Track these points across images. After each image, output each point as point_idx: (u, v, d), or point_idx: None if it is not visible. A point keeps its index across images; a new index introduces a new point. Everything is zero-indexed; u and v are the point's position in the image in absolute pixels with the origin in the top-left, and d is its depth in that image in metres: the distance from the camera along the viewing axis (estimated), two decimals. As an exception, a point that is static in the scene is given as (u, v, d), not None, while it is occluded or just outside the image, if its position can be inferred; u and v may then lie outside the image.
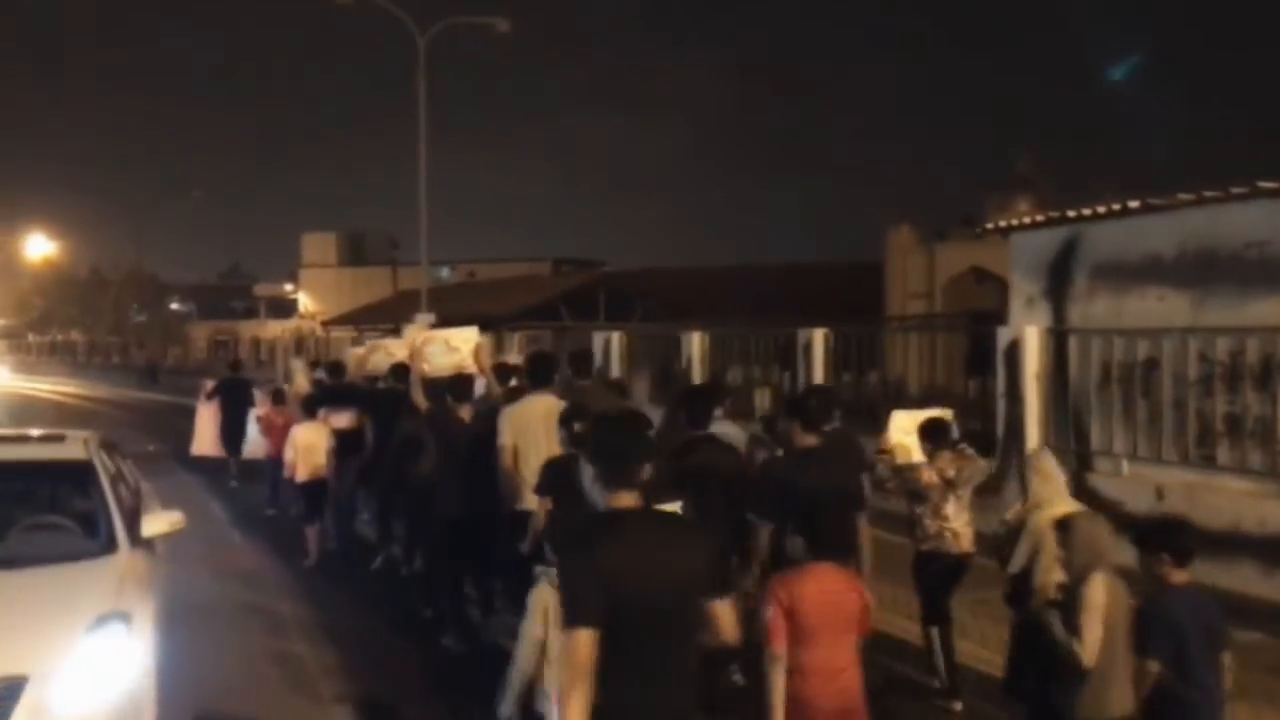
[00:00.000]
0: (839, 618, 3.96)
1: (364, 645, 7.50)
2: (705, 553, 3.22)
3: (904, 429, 6.69)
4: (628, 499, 3.15)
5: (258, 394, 14.55)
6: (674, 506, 3.87)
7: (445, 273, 53.51)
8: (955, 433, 6.65)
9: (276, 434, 11.74)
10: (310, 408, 10.27)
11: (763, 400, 14.14)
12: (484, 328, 23.60)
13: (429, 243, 23.74)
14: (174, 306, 75.22)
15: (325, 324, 38.81)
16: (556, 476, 5.57)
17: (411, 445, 7.78)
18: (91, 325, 68.04)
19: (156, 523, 6.12)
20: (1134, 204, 8.86)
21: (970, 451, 6.48)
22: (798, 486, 4.93)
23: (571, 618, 3.00)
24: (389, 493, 9.26)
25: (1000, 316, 10.83)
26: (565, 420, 5.80)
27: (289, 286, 67.82)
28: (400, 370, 9.76)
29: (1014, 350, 9.45)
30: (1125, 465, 8.71)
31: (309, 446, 9.66)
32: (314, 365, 14.73)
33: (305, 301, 60.65)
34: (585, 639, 2.95)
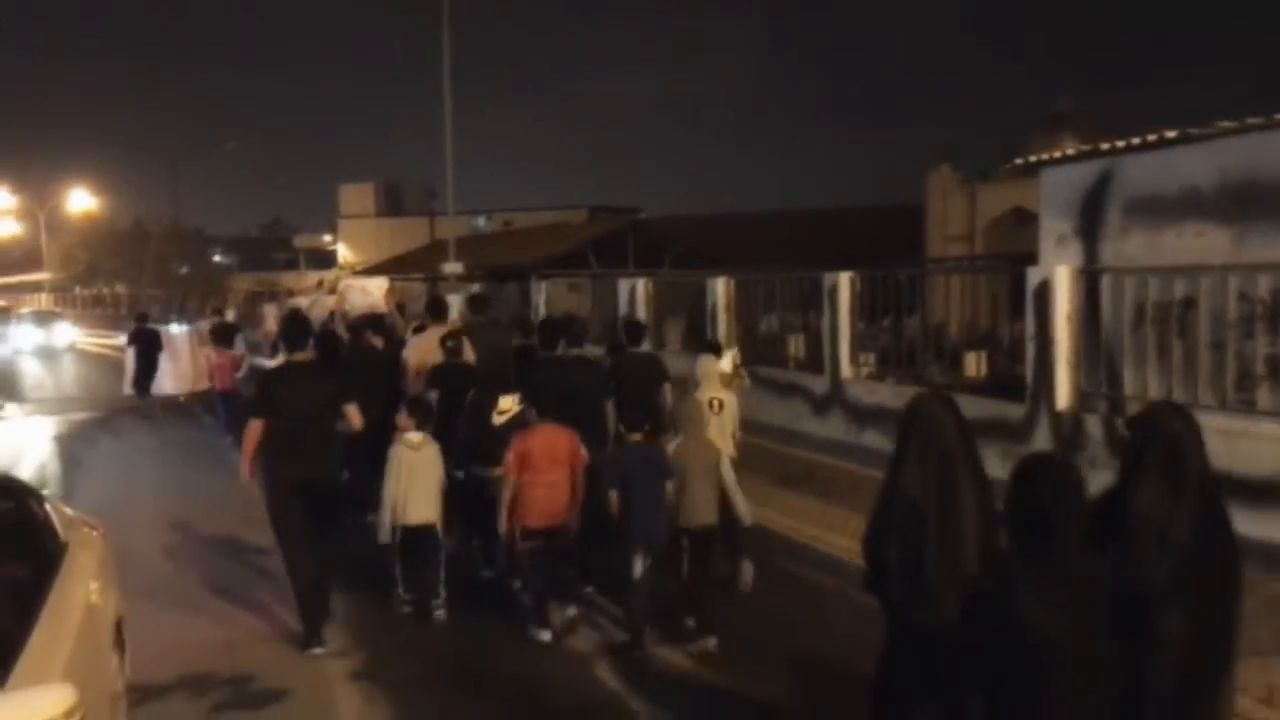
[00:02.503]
0: (556, 456, 6.61)
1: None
2: (332, 383, 6.97)
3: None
4: None
5: (181, 337, 18.36)
6: (512, 399, 7.35)
7: (481, 222, 53.27)
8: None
9: (224, 371, 14.77)
10: (276, 345, 12.72)
11: (796, 347, 13.79)
12: (513, 275, 23.46)
13: (464, 193, 23.62)
14: (216, 259, 75.79)
15: (357, 273, 38.79)
16: (436, 375, 8.44)
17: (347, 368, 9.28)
18: (136, 278, 68.69)
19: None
20: (1171, 134, 8.33)
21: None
22: (550, 383, 7.29)
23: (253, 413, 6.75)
24: None
25: (1035, 259, 10.37)
26: (441, 341, 8.76)
27: (328, 238, 68.03)
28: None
29: (1044, 291, 9.00)
30: (1160, 411, 8.28)
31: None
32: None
33: (344, 252, 60.80)
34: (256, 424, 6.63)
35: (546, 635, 6.62)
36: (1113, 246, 8.75)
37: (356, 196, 61.99)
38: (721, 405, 7.70)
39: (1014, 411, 9.13)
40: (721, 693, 5.95)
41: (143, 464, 13.17)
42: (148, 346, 17.73)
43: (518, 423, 7.10)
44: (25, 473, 12.99)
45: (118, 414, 17.62)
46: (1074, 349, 8.85)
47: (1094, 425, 8.54)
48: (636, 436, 6.71)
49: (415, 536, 6.97)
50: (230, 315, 20.29)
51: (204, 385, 17.05)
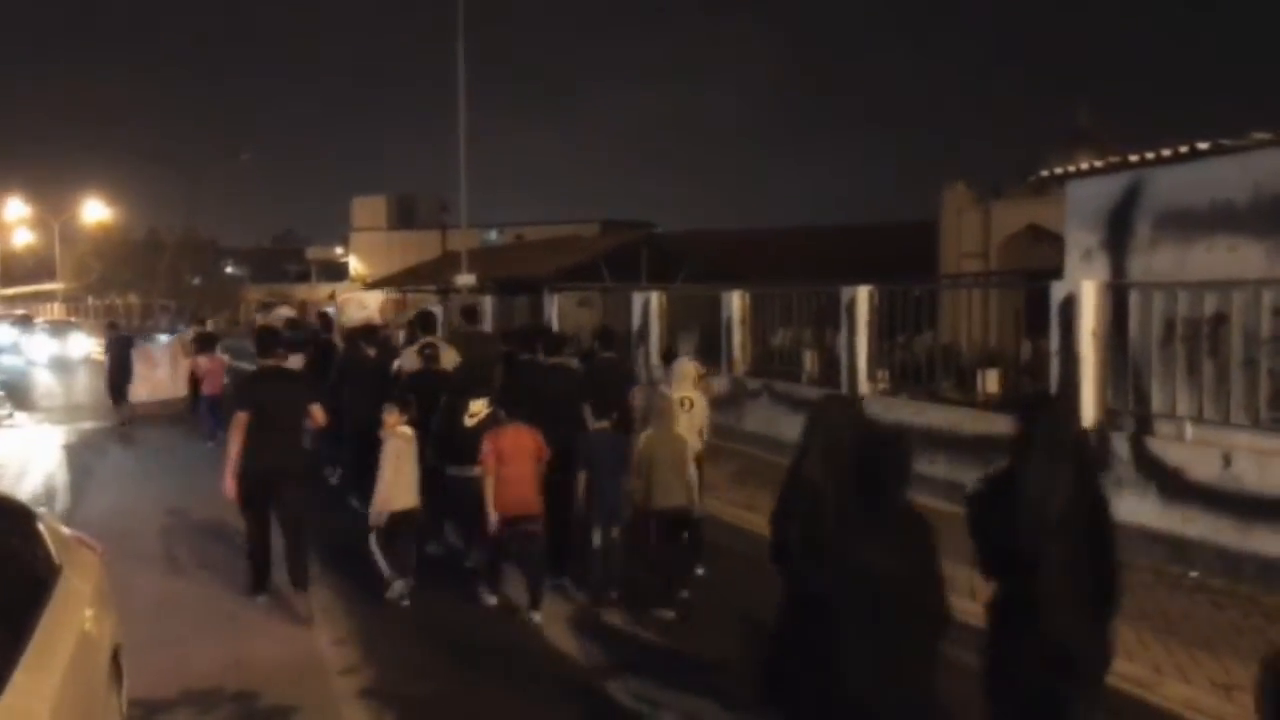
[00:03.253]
0: (522, 451, 7.22)
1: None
2: (300, 384, 8.28)
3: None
4: None
5: (157, 346, 19.82)
6: (482, 402, 7.99)
7: (493, 235, 53.28)
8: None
9: (215, 377, 15.50)
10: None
11: (812, 362, 13.63)
12: (525, 288, 23.35)
13: (476, 207, 23.67)
14: (229, 270, 75.93)
15: (368, 285, 38.72)
16: (414, 380, 9.17)
17: (341, 374, 10.97)
18: (148, 289, 68.80)
19: None
20: (1203, 146, 8.15)
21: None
22: (526, 385, 8.14)
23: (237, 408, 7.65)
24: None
25: (1058, 274, 10.18)
26: (419, 349, 9.62)
27: (340, 250, 68.09)
28: (325, 321, 15.29)
29: (1069, 306, 8.83)
30: (1189, 429, 8.08)
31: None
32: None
33: (355, 264, 60.82)
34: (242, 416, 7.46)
35: (493, 600, 7.41)
36: (1141, 261, 8.57)
37: (369, 209, 62.10)
38: (692, 404, 8.47)
39: (1037, 429, 8.91)
40: (672, 652, 6.64)
41: (150, 473, 13.03)
42: (121, 354, 17.94)
43: (488, 424, 7.77)
44: (31, 481, 12.91)
45: (126, 424, 17.51)
46: (1100, 365, 8.67)
47: (1120, 444, 8.34)
48: (603, 424, 7.52)
49: (398, 521, 7.52)
50: (210, 325, 20.76)
51: (181, 392, 18.18)
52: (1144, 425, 8.39)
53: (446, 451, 7.96)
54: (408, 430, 7.64)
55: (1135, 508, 8.14)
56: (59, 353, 35.37)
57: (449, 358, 9.72)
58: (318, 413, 8.01)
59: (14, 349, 36.50)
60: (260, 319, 20.30)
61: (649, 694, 5.96)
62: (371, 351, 10.90)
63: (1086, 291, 8.68)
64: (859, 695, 3.81)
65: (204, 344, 16.50)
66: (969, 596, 6.59)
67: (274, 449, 7.44)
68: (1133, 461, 8.24)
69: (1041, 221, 28.81)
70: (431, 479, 7.96)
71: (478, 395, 8.04)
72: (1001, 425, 9.43)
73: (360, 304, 17.38)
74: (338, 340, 12.91)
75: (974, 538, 4.21)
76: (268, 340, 8.17)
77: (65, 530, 5.13)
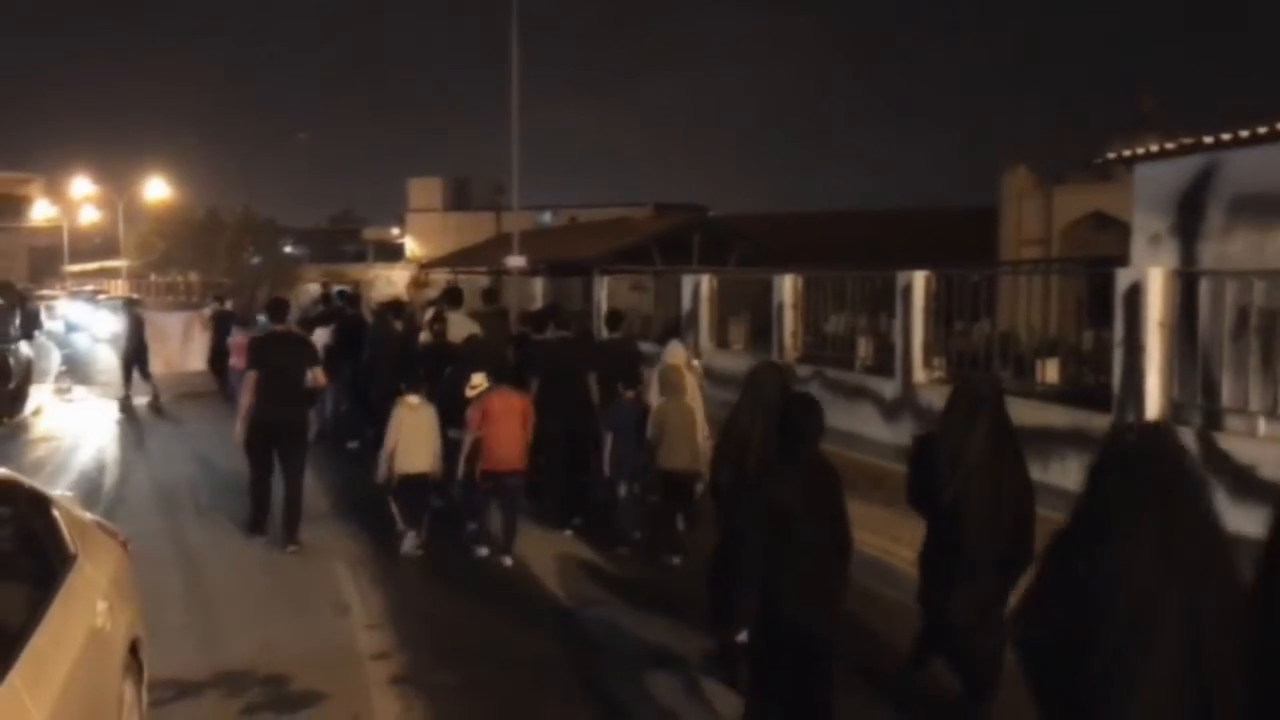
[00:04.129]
0: (509, 413, 8.05)
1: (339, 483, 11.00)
2: (306, 349, 9.12)
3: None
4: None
5: (171, 321, 20.35)
6: (482, 376, 8.54)
7: (547, 217, 53.17)
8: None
9: (242, 352, 15.63)
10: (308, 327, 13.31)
11: (866, 349, 13.28)
12: (576, 270, 23.19)
13: (531, 189, 23.67)
14: (287, 249, 76.72)
15: (423, 266, 38.86)
16: (425, 351, 10.23)
17: (370, 346, 11.89)
18: (208, 267, 69.81)
19: None
20: (1283, 127, 7.72)
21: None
22: (536, 359, 9.45)
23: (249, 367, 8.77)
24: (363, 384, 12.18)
25: (1123, 262, 9.77)
26: (429, 323, 10.77)
27: (395, 230, 68.51)
28: (351, 298, 15.70)
29: (1135, 294, 8.44)
30: (1262, 424, 7.68)
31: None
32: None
33: (411, 245, 61.16)
34: (252, 375, 8.59)
35: (484, 551, 8.24)
36: (1213, 247, 8.17)
37: (424, 190, 62.36)
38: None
39: (1097, 422, 8.54)
40: (670, 594, 7.29)
41: (193, 450, 13.07)
42: (138, 331, 17.98)
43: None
44: (82, 455, 13.03)
45: (178, 399, 17.66)
46: (1166, 357, 8.29)
47: (1187, 439, 7.96)
48: (630, 394, 8.54)
49: (411, 482, 8.22)
50: (230, 304, 20.83)
51: (195, 366, 19.15)
52: (1213, 420, 8.01)
53: (448, 417, 8.57)
54: (413, 400, 8.28)
55: (1202, 507, 7.78)
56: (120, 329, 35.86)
57: (465, 331, 10.35)
58: (318, 374, 9.07)
59: (84, 327, 37.15)
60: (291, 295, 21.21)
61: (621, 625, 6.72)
62: (398, 325, 11.71)
63: (1154, 279, 8.29)
64: (779, 611, 4.41)
65: (221, 322, 16.98)
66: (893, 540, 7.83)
67: (277, 403, 8.50)
68: (1200, 458, 7.85)
69: (1107, 208, 28.06)
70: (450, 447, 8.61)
71: (479, 369, 8.72)
72: (1062, 417, 9.14)
73: (389, 280, 18.89)
74: (366, 315, 13.79)
75: (908, 482, 5.40)
76: (276, 309, 9.43)
77: (86, 516, 4.99)
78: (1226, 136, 7.81)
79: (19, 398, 16.48)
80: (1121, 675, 2.73)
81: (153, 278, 75.35)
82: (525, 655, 6.29)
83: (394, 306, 12.92)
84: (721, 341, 16.23)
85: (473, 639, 6.57)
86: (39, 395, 18.16)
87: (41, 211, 76.15)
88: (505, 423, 8.01)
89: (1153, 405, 8.31)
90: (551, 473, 9.26)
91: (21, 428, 15.37)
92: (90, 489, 11.11)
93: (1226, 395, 7.97)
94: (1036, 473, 9.29)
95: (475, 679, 5.93)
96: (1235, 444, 7.67)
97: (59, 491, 5.46)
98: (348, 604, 7.19)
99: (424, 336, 10.88)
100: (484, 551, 8.21)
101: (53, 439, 14.33)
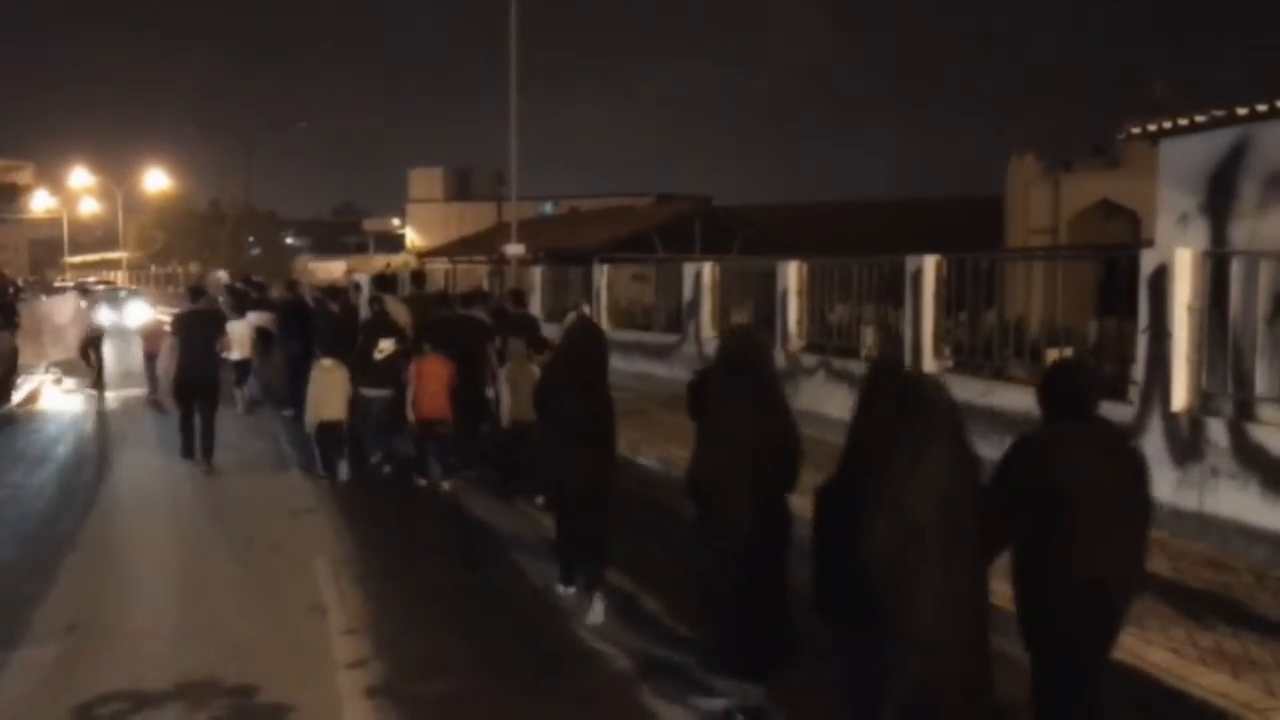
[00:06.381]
0: (437, 373, 9.85)
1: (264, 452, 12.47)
2: (216, 323, 11.99)
3: None
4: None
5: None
6: (390, 342, 10.56)
7: (548, 208, 52.64)
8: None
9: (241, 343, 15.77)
10: (239, 311, 15.26)
11: (872, 339, 12.85)
12: (576, 258, 22.71)
13: (533, 181, 23.28)
14: (289, 241, 76.24)
15: (421, 256, 38.41)
16: (365, 326, 11.34)
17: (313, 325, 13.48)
18: (209, 259, 69.37)
19: None
20: (1324, 98, 7.24)
21: None
22: (441, 332, 10.59)
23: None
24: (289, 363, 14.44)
25: (1134, 248, 9.29)
26: (369, 301, 12.22)
27: (396, 221, 68.03)
28: (260, 285, 19.04)
29: (1160, 277, 7.97)
30: (1298, 415, 7.23)
31: (240, 337, 14.42)
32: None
33: (412, 236, 60.70)
34: (169, 340, 12.68)
35: (423, 482, 10.06)
36: (1246, 226, 7.67)
37: (426, 181, 61.90)
38: None
39: (1119, 412, 8.07)
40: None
41: (172, 442, 12.65)
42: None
43: (394, 359, 10.45)
44: (65, 445, 12.62)
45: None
46: (1195, 343, 7.82)
47: (1217, 430, 7.51)
48: (538, 357, 9.49)
49: (328, 428, 10.38)
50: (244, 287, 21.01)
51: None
52: (1245, 410, 7.54)
53: (360, 377, 10.44)
54: (326, 362, 10.51)
55: (1234, 502, 7.33)
56: (118, 321, 35.34)
57: (398, 313, 11.61)
58: (226, 342, 12.29)
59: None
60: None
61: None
62: (335, 308, 13.01)
63: (1182, 260, 7.82)
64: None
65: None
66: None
67: (194, 363, 11.11)
68: (1231, 450, 7.41)
69: (1115, 196, 27.52)
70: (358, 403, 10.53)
71: (386, 336, 10.59)
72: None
73: (327, 270, 20.72)
74: (308, 299, 15.49)
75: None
76: (196, 293, 12.97)
77: None
78: (1262, 107, 7.32)
79: (6, 387, 16.12)
80: (900, 573, 3.72)
81: (153, 269, 74.93)
82: (515, 665, 5.83)
83: (331, 292, 14.58)
84: (564, 315, 15.76)
85: (458, 646, 6.11)
86: (30, 384, 17.76)
87: (41, 203, 75.68)
88: (433, 380, 9.85)
89: (1179, 395, 7.85)
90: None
91: (8, 418, 14.98)
92: (67, 480, 10.73)
93: (1261, 384, 7.50)
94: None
95: (459, 691, 5.48)
96: (1270, 436, 7.21)
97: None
98: (326, 606, 6.75)
99: (364, 314, 12.29)
100: (422, 483, 10.07)
101: (35, 430, 13.93)
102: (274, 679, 5.56)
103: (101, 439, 13.40)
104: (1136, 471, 4.11)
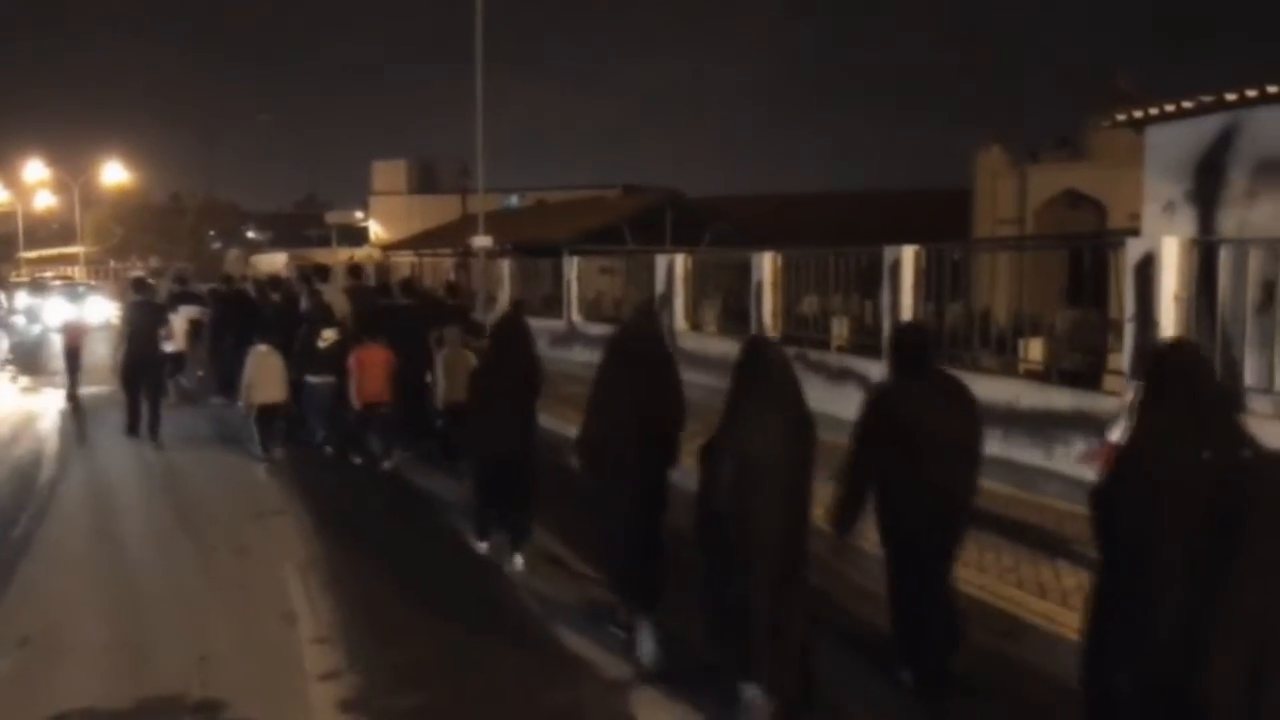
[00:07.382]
0: (377, 360, 10.48)
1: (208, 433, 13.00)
2: (158, 314, 13.52)
3: None
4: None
5: None
6: (332, 331, 11.28)
7: (514, 200, 52.16)
8: None
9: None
10: (171, 305, 15.63)
11: (841, 330, 12.70)
12: (545, 251, 22.43)
13: (498, 172, 22.93)
14: (250, 235, 75.18)
15: (385, 249, 37.92)
16: (312, 313, 11.87)
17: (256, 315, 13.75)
18: (169, 252, 68.23)
19: None
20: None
21: None
22: (383, 320, 11.27)
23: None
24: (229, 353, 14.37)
25: (1097, 239, 9.18)
26: (310, 293, 12.92)
27: (360, 214, 67.23)
28: (228, 278, 18.39)
29: (1147, 266, 7.85)
30: (1288, 406, 7.12)
31: (175, 330, 14.77)
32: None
33: (375, 229, 60.01)
34: (121, 329, 13.79)
35: (359, 460, 10.70)
36: (1235, 214, 7.58)
37: (389, 174, 61.16)
38: None
39: (1105, 404, 7.96)
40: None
41: (135, 444, 12.28)
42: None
43: (334, 347, 10.97)
44: (20, 447, 12.21)
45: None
46: (1183, 333, 7.70)
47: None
48: (474, 343, 10.15)
49: (267, 410, 10.90)
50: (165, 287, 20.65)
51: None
52: (1233, 402, 7.42)
53: (305, 365, 11.04)
54: (263, 348, 10.94)
55: (1225, 494, 7.21)
56: (75, 317, 34.46)
57: (337, 303, 12.37)
58: (169, 330, 13.62)
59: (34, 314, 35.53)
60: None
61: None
62: (276, 297, 13.64)
63: (1168, 249, 7.70)
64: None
65: (174, 300, 16.89)
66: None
67: (139, 349, 12.37)
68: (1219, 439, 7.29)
69: (1081, 186, 27.65)
70: (296, 387, 11.15)
71: (328, 325, 11.23)
72: (1065, 399, 8.56)
73: (270, 262, 21.77)
74: (250, 290, 16.25)
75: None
76: (140, 286, 13.55)
77: None
78: (1252, 93, 7.21)
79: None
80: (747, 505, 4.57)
81: (111, 264, 73.64)
82: (495, 676, 5.59)
83: (273, 283, 15.47)
84: (694, 324, 15.62)
85: (436, 656, 5.84)
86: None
87: (-7, 197, 74.06)
88: (375, 367, 10.47)
89: (1166, 385, 7.73)
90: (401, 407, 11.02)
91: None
92: (22, 484, 10.35)
93: (1249, 374, 7.40)
94: (1039, 458, 8.79)
95: (437, 704, 5.23)
96: (1260, 427, 7.08)
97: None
98: (296, 613, 6.46)
99: (304, 303, 12.79)
100: (358, 460, 10.69)
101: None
102: (242, 693, 5.29)
103: (63, 436, 13.00)
104: (968, 414, 5.08)
